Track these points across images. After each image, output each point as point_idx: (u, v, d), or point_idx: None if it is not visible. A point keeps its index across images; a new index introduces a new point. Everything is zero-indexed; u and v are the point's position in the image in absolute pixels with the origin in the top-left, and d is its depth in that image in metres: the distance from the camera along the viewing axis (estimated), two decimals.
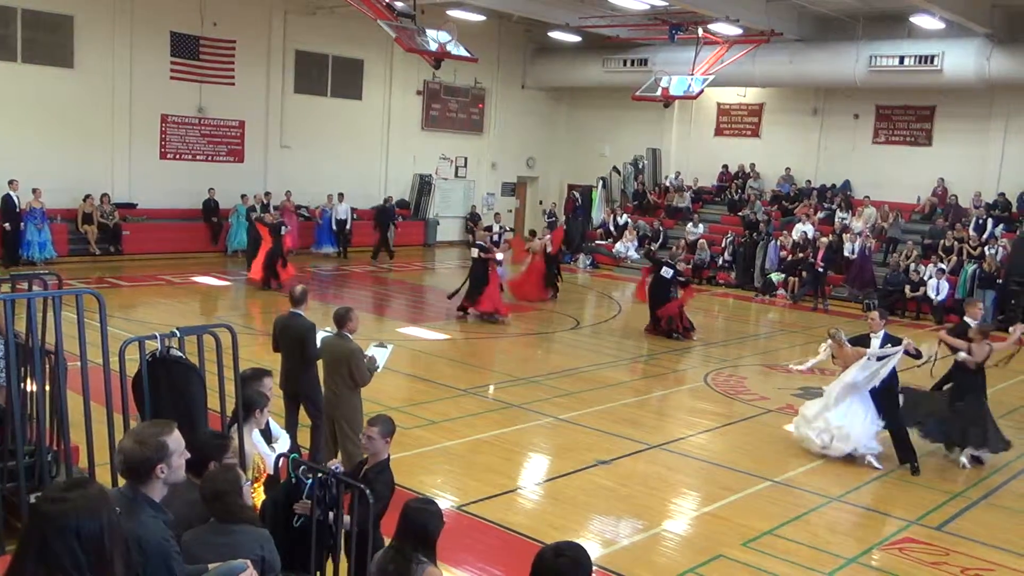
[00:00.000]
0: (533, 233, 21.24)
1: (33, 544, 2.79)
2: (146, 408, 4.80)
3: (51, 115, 20.06)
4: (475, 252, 16.78)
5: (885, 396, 9.61)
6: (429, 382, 12.00)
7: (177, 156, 22.47)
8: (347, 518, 4.86)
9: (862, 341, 9.76)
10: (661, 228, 25.41)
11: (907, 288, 19.98)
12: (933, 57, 21.62)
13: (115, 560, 2.86)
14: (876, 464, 9.51)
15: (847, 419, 9.55)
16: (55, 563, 2.75)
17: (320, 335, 8.09)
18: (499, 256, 17.13)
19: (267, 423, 5.80)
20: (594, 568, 4.07)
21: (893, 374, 9.54)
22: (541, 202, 30.51)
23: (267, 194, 22.55)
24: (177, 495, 3.87)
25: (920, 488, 9.08)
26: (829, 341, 10.15)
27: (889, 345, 9.51)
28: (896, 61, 22.22)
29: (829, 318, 19.50)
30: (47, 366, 5.72)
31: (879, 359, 9.45)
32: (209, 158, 23.04)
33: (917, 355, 9.64)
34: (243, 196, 22.14)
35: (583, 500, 8.22)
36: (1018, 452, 10.48)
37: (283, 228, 18.60)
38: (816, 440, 9.71)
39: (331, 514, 4.83)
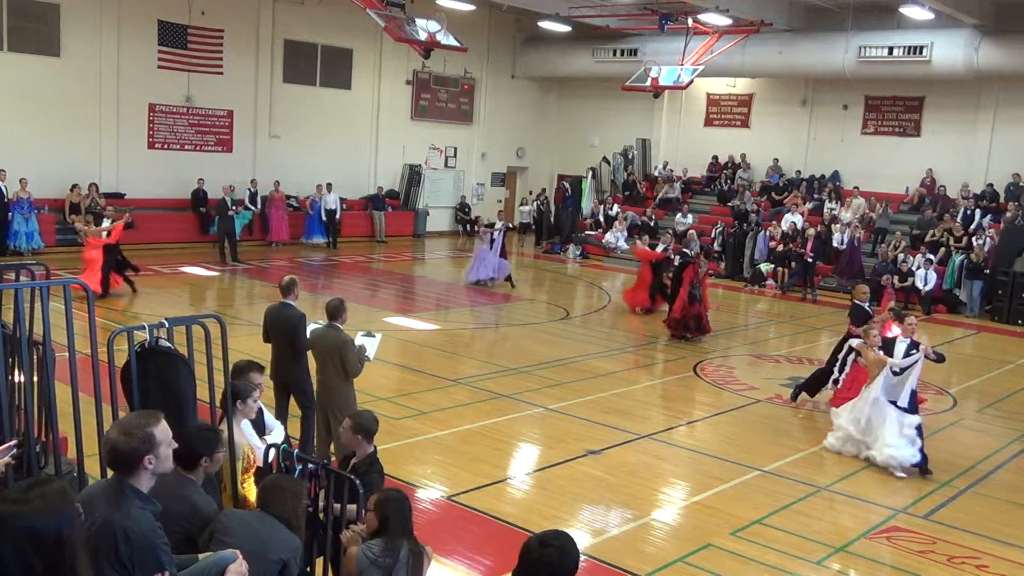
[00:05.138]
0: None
1: None
2: (135, 399, 4.78)
3: (38, 104, 19.91)
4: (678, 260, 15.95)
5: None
6: (419, 372, 12.00)
7: (165, 146, 22.35)
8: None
9: (887, 345, 9.53)
10: (653, 217, 25.43)
11: (895, 278, 20.04)
12: (922, 48, 21.69)
13: (77, 568, 2.69)
14: (899, 473, 9.14)
15: (883, 431, 9.25)
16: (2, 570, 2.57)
17: (311, 326, 8.07)
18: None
19: (261, 414, 5.78)
20: (583, 558, 4.09)
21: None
22: (531, 192, 30.47)
23: (253, 181, 22.19)
24: (165, 488, 3.81)
25: (907, 477, 9.14)
26: (857, 342, 9.80)
27: (914, 352, 9.23)
28: (885, 52, 22.28)
29: (818, 308, 19.60)
30: (35, 357, 5.68)
31: (899, 372, 9.21)
32: (198, 148, 22.92)
33: (939, 359, 9.55)
34: (231, 187, 21.96)
35: (573, 490, 8.24)
36: (1004, 442, 10.58)
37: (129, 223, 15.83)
38: (854, 451, 9.53)
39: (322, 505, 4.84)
